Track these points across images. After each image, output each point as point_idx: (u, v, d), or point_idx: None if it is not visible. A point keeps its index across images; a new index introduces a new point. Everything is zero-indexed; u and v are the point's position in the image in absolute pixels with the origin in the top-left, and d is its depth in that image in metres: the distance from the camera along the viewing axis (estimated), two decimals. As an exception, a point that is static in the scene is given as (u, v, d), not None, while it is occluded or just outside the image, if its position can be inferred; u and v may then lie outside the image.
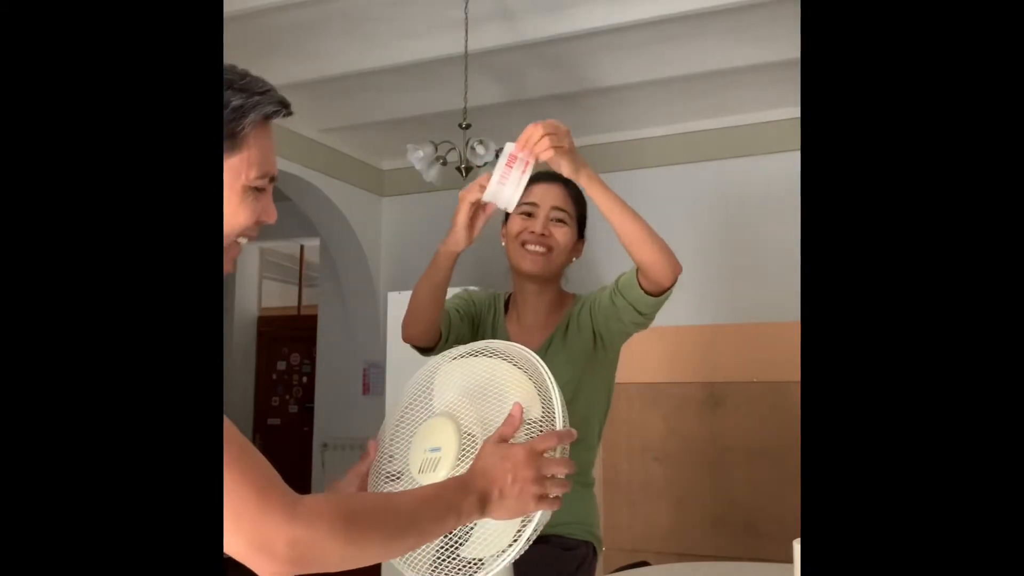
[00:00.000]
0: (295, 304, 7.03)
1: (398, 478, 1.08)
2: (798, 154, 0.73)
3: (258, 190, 0.90)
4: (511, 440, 0.97)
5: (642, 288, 1.41)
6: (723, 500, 3.94)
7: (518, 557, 0.97)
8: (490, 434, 0.99)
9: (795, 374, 3.23)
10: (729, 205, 4.24)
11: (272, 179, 0.93)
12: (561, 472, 0.96)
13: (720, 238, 4.21)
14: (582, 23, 3.32)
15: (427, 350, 1.53)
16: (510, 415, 0.99)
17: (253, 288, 6.57)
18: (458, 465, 1.00)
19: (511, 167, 1.29)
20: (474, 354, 1.11)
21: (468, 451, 1.01)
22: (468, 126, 3.37)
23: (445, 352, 1.15)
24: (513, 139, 1.33)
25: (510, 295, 1.66)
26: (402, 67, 3.70)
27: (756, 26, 3.30)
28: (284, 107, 0.92)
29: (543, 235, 1.53)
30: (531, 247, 1.53)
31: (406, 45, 3.57)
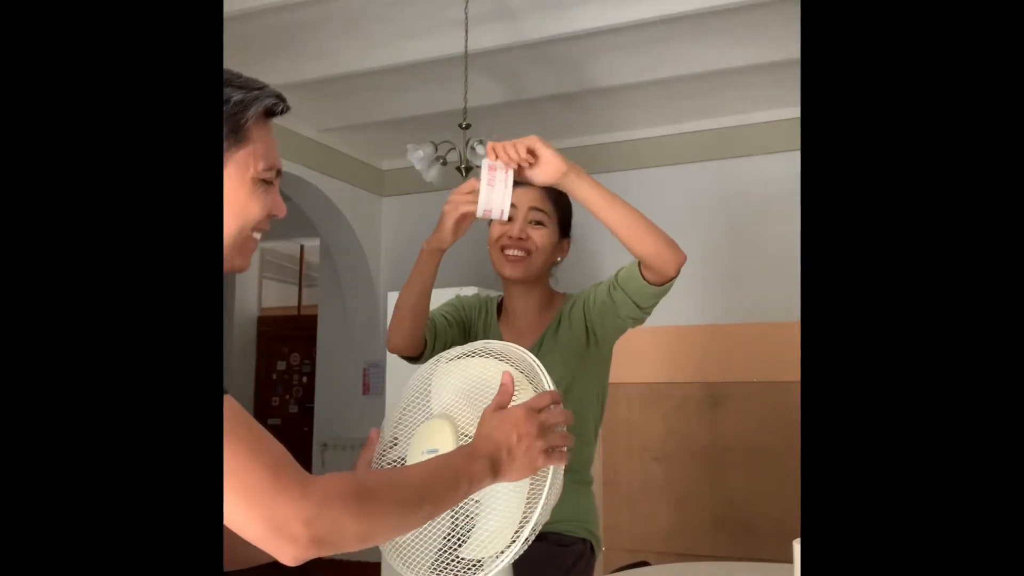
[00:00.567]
0: (295, 304, 7.03)
1: None
2: (798, 154, 0.73)
3: (266, 183, 0.91)
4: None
5: (645, 279, 1.40)
6: (723, 500, 3.94)
7: (517, 557, 0.97)
8: None
9: (795, 374, 3.23)
10: (729, 205, 4.24)
11: (278, 173, 0.93)
12: (562, 422, 0.97)
13: (720, 238, 4.21)
14: (582, 23, 3.32)
15: (414, 359, 1.53)
16: (502, 384, 1.00)
17: (253, 288, 6.58)
18: None
19: (494, 172, 1.30)
20: (471, 355, 1.11)
21: None
22: (468, 126, 3.37)
23: (443, 353, 1.15)
24: (512, 139, 1.33)
25: (502, 298, 1.66)
26: (402, 67, 3.70)
27: (755, 26, 3.30)
28: (282, 101, 0.92)
29: (520, 238, 1.53)
30: (510, 252, 1.53)
31: (406, 45, 3.57)
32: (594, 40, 3.45)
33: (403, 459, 1.08)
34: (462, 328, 1.62)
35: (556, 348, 1.54)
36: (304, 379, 6.42)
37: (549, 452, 0.95)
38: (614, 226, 1.35)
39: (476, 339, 1.59)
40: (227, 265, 0.88)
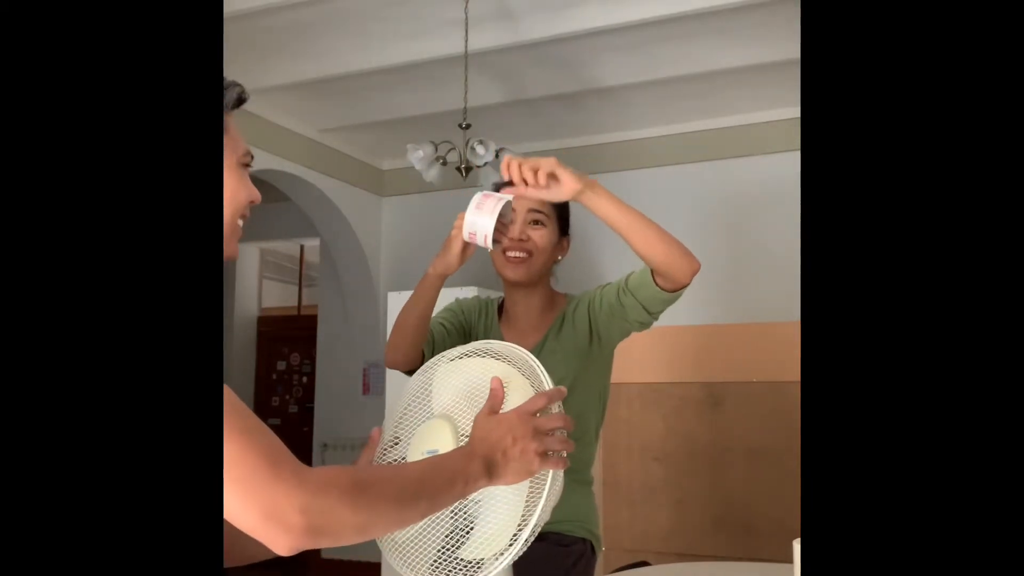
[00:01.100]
0: (295, 304, 7.03)
1: None
2: (798, 154, 0.73)
3: (244, 167, 0.95)
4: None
5: (658, 285, 1.41)
6: (723, 500, 3.94)
7: (517, 558, 0.97)
8: None
9: (795, 374, 3.23)
10: (729, 205, 4.24)
11: (251, 157, 0.97)
12: (558, 428, 0.96)
13: (720, 238, 4.21)
14: (582, 23, 3.32)
15: (412, 372, 1.53)
16: (492, 390, 1.00)
17: (253, 288, 6.58)
18: None
19: (486, 199, 1.32)
20: (471, 354, 1.11)
21: None
22: (468, 126, 3.37)
23: (444, 352, 1.15)
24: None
25: (503, 300, 1.67)
26: (402, 67, 3.70)
27: (755, 26, 3.30)
28: (242, 88, 0.95)
29: (521, 239, 1.53)
30: (511, 253, 1.54)
31: (406, 45, 3.57)
32: (594, 40, 3.45)
33: (403, 459, 1.08)
34: (462, 333, 1.62)
35: (559, 348, 1.54)
36: (304, 379, 6.42)
37: (545, 456, 0.94)
38: (630, 237, 1.37)
39: (477, 340, 1.59)
40: None
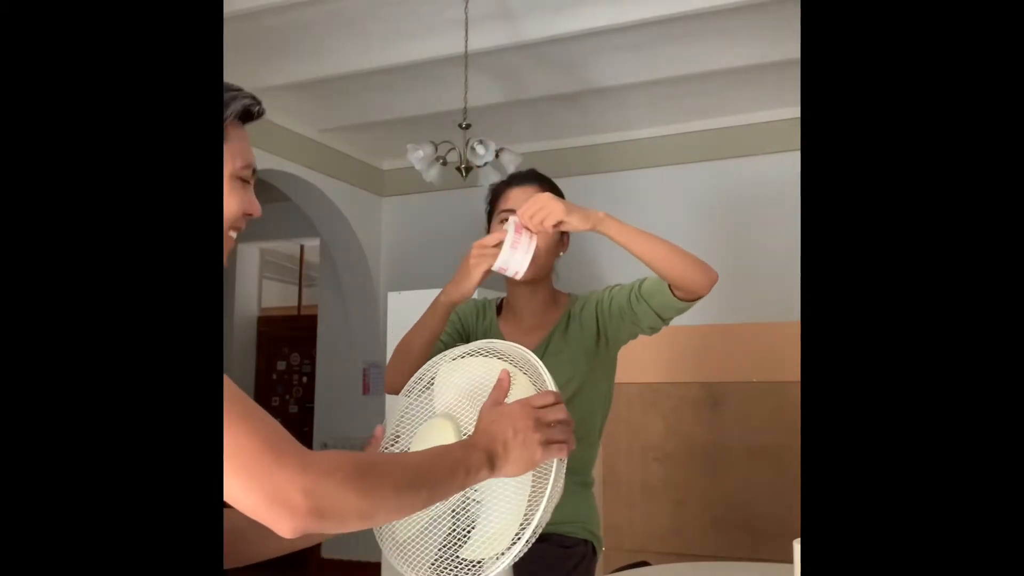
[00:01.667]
0: (295, 304, 7.03)
1: None
2: (798, 154, 0.73)
3: (243, 181, 0.94)
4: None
5: (674, 295, 1.43)
6: (723, 500, 3.94)
7: (519, 558, 0.97)
8: None
9: (795, 374, 3.23)
10: (729, 205, 4.24)
11: (254, 171, 0.96)
12: (560, 420, 0.97)
13: (720, 238, 4.21)
14: (582, 23, 3.32)
15: None
16: (498, 380, 1.01)
17: (253, 288, 6.58)
18: None
19: (520, 234, 1.36)
20: (473, 353, 1.11)
21: None
22: (468, 126, 3.37)
23: (446, 352, 1.15)
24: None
25: (502, 299, 1.66)
26: (402, 67, 3.70)
27: (755, 26, 3.30)
28: (257, 103, 0.94)
29: None
30: None
31: (406, 45, 3.57)
32: (594, 40, 3.45)
33: None
34: (462, 340, 1.61)
35: (565, 349, 1.54)
36: (304, 379, 6.42)
37: (547, 445, 0.95)
38: (648, 260, 1.40)
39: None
40: None
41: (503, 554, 0.97)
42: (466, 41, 3.27)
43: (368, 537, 1.05)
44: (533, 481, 0.98)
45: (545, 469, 0.98)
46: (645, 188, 4.41)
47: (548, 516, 0.98)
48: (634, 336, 1.55)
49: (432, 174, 3.46)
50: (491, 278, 1.46)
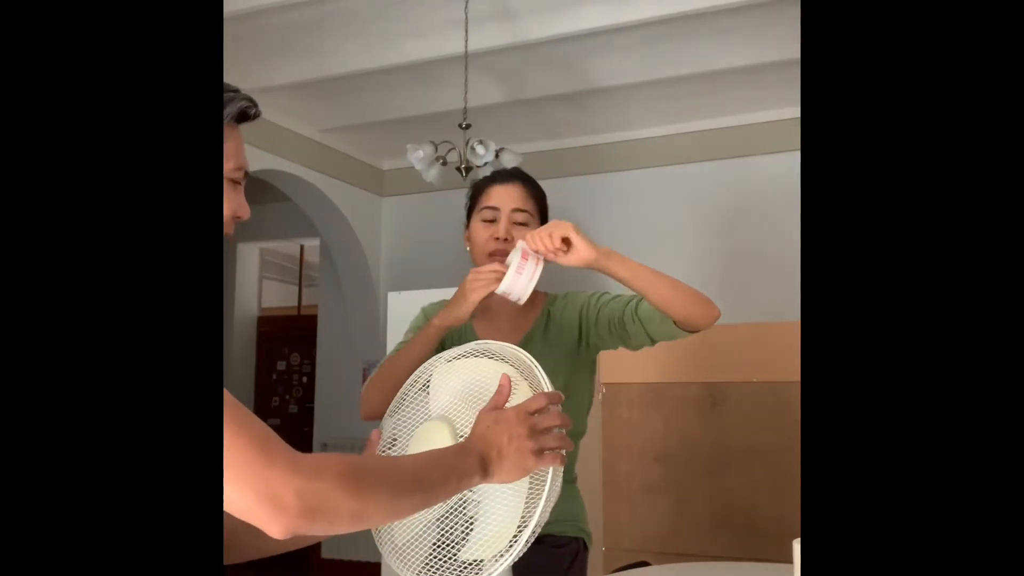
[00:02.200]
0: (295, 304, 7.03)
1: None
2: (798, 154, 0.73)
3: (234, 183, 0.93)
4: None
5: (675, 324, 1.41)
6: (723, 500, 3.94)
7: (517, 559, 0.97)
8: None
9: (795, 374, 3.23)
10: (729, 205, 4.24)
11: (246, 173, 0.95)
12: (558, 425, 0.97)
13: (720, 238, 4.21)
14: (582, 23, 3.32)
15: None
16: (500, 385, 1.01)
17: (253, 288, 6.57)
18: None
19: (526, 260, 1.34)
20: (467, 355, 1.11)
21: None
22: (468, 126, 3.37)
23: (442, 353, 1.15)
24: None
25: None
26: (402, 67, 3.70)
27: (756, 26, 3.30)
28: (254, 105, 0.93)
29: (507, 239, 1.51)
30: (498, 257, 1.51)
31: (406, 45, 3.57)
32: (594, 40, 3.45)
33: None
34: (439, 348, 1.60)
35: (548, 352, 1.52)
36: (304, 379, 6.42)
37: (540, 453, 0.95)
38: (650, 297, 1.39)
39: (451, 347, 1.58)
40: None
41: (502, 555, 0.97)
42: (466, 41, 3.27)
43: (368, 537, 1.05)
44: (531, 481, 0.98)
45: (541, 470, 0.98)
46: (645, 188, 4.41)
47: (547, 516, 0.98)
48: (616, 347, 1.54)
49: (432, 174, 3.46)
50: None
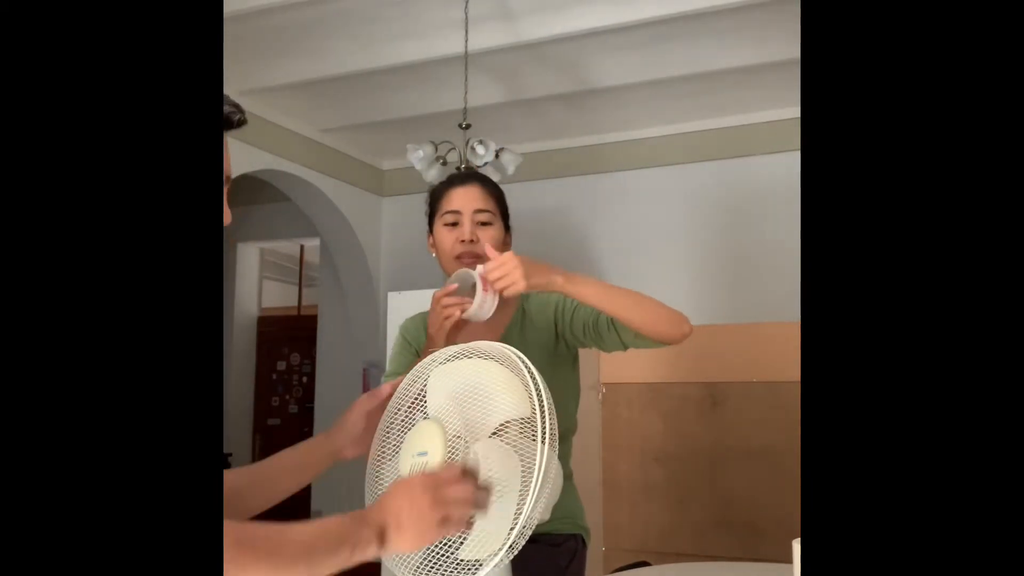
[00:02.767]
0: (295, 304, 7.03)
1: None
2: (798, 154, 0.73)
3: None
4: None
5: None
6: (723, 500, 3.94)
7: (512, 557, 0.97)
8: (475, 436, 1.01)
9: (795, 374, 3.23)
10: (729, 205, 4.24)
11: (228, 179, 0.93)
12: (462, 495, 0.95)
13: (720, 238, 4.21)
14: (582, 23, 3.32)
15: None
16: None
17: (253, 288, 6.57)
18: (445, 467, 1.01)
19: (487, 291, 1.34)
20: (458, 356, 1.12)
21: (455, 454, 1.02)
22: (468, 126, 3.37)
23: (437, 354, 1.16)
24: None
25: None
26: (402, 67, 3.70)
27: (755, 26, 3.30)
28: (237, 110, 0.91)
29: (472, 241, 1.52)
30: (466, 260, 1.51)
31: (406, 45, 3.57)
32: (594, 40, 3.45)
33: (396, 460, 1.09)
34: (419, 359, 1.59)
35: (526, 349, 1.51)
36: (304, 379, 6.42)
37: (444, 523, 0.93)
38: (616, 314, 1.39)
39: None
40: None
41: (495, 554, 0.97)
42: (466, 41, 3.27)
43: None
44: (523, 478, 0.99)
45: (530, 466, 0.98)
46: (645, 188, 4.41)
47: (539, 515, 0.98)
48: (590, 348, 1.54)
49: (432, 174, 3.46)
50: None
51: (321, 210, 4.84)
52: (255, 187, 4.98)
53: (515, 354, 1.06)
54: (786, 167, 3.93)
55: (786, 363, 3.74)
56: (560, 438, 1.07)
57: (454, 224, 1.54)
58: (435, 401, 1.10)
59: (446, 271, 1.57)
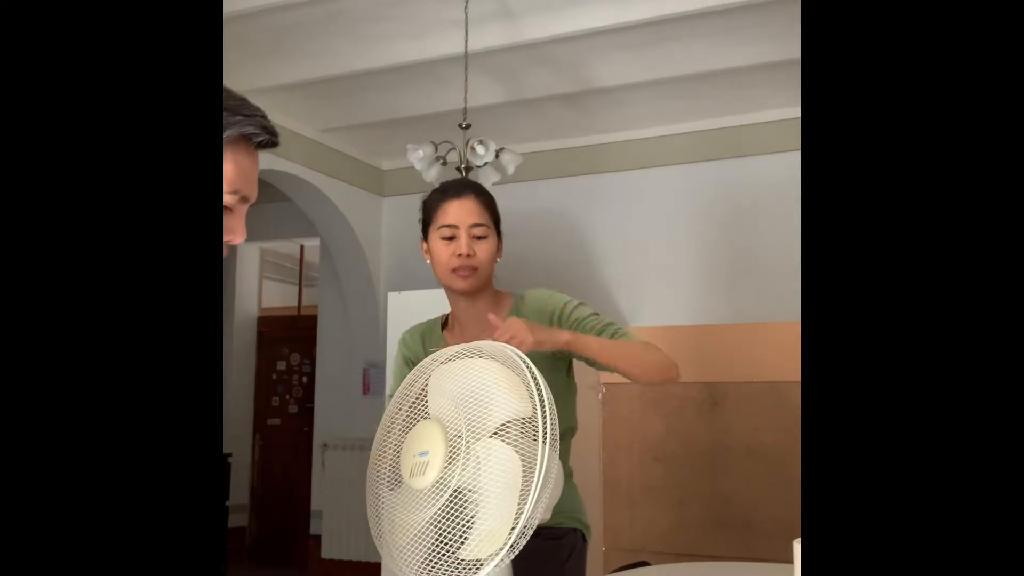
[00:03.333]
0: (295, 304, 7.03)
1: (397, 484, 1.09)
2: (798, 154, 0.73)
3: (226, 208, 0.87)
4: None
5: None
6: (723, 500, 3.94)
7: (513, 557, 0.98)
8: (476, 436, 1.01)
9: (795, 374, 3.23)
10: (728, 205, 4.24)
11: (244, 199, 0.89)
12: None
13: (719, 238, 4.21)
14: (582, 23, 3.32)
15: None
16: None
17: (253, 288, 6.57)
18: (446, 467, 1.01)
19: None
20: (460, 356, 1.13)
21: (455, 453, 1.02)
22: (468, 126, 3.37)
23: (437, 355, 1.16)
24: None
25: (447, 315, 1.66)
26: (402, 67, 3.70)
27: (756, 26, 3.30)
28: (268, 133, 0.88)
29: (468, 255, 1.54)
30: (461, 272, 1.54)
31: (406, 45, 3.57)
32: (594, 40, 3.45)
33: (397, 480, 1.09)
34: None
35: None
36: (304, 379, 6.41)
37: None
38: (614, 368, 1.48)
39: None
40: None
41: (496, 554, 0.97)
42: (466, 41, 3.27)
43: (368, 538, 1.06)
44: (523, 478, 0.99)
45: (531, 466, 0.98)
46: (645, 188, 4.41)
47: (540, 515, 0.99)
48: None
49: (432, 174, 3.46)
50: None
51: (321, 210, 4.84)
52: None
53: (516, 354, 1.07)
54: (786, 167, 3.93)
55: (786, 363, 3.74)
56: (560, 437, 1.08)
57: (451, 238, 1.55)
58: (436, 401, 1.10)
59: (441, 281, 1.58)
